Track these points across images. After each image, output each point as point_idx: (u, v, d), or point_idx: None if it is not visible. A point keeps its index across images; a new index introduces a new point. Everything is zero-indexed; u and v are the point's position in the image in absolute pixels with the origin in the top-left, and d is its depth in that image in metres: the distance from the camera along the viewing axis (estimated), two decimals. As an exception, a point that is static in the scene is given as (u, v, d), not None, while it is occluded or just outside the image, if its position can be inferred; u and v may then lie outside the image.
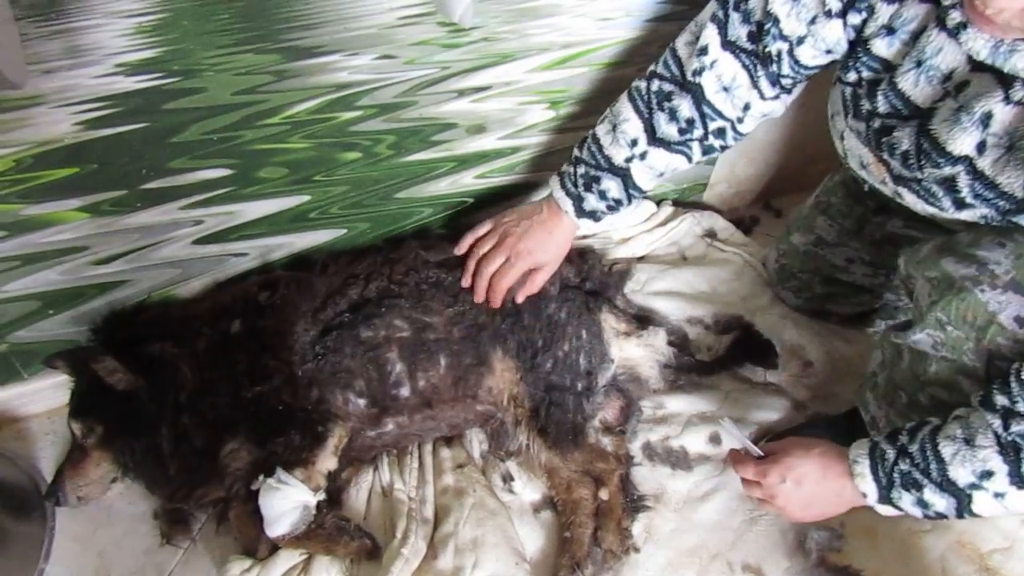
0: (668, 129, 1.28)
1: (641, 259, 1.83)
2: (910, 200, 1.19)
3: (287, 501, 1.26)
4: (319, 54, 1.23)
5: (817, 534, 1.39)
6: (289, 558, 1.31)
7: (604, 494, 1.40)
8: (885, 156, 1.16)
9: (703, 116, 1.26)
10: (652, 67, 1.29)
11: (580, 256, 1.66)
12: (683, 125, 1.27)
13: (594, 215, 1.37)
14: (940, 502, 0.99)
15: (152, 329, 1.41)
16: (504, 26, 1.33)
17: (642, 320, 1.66)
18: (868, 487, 1.05)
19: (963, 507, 0.98)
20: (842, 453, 1.09)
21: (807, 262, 1.65)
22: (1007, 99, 0.97)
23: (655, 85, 1.27)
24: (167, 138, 1.23)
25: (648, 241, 1.84)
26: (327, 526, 1.31)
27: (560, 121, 1.58)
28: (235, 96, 1.23)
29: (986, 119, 0.99)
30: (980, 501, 0.97)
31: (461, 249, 1.43)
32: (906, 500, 1.02)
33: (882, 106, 1.11)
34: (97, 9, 1.04)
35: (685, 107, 1.26)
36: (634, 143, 1.29)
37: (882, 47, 1.08)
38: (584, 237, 1.79)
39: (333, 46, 1.23)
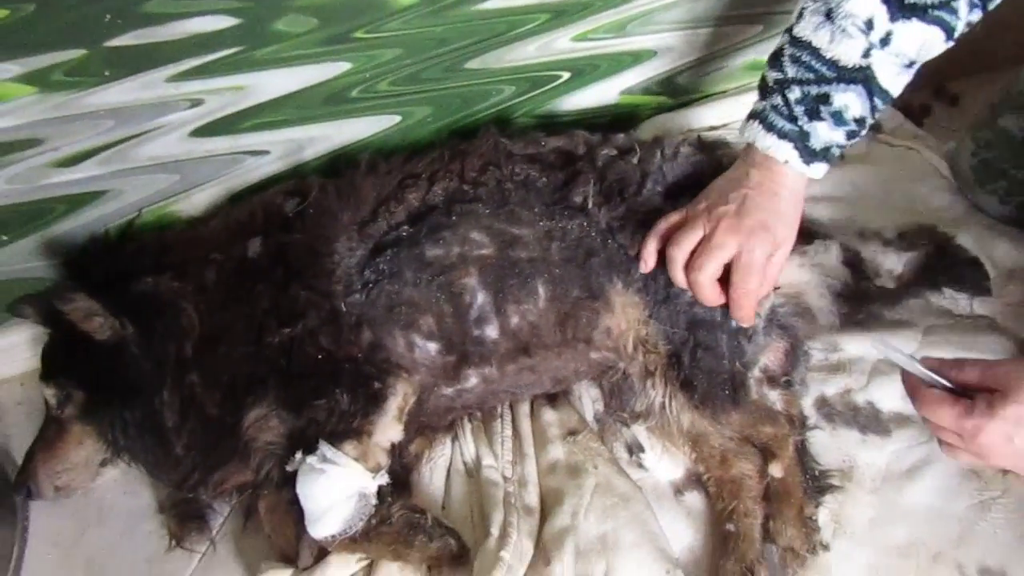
0: None
1: (787, 158, 1.45)
2: None
3: (336, 488, 1.01)
4: None
5: None
6: (343, 566, 1.07)
7: (776, 470, 1.10)
8: None
9: None
10: None
11: (714, 148, 1.30)
12: None
13: (827, 153, 1.00)
14: None
15: (144, 259, 1.16)
16: None
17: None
18: None
19: None
20: None
21: None
22: None
23: None
24: (137, -39, 0.90)
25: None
26: (394, 522, 1.06)
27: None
28: None
29: None
30: None
31: (647, 262, 1.08)
32: None
33: None
34: None
35: None
36: (869, 25, 0.95)
37: None
38: (713, 128, 1.45)
39: None
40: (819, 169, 1.01)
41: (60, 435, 1.14)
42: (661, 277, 1.09)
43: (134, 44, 0.97)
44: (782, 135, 0.99)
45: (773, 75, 1.01)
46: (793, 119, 0.99)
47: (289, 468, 1.04)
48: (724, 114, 1.46)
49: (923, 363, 0.82)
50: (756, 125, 1.01)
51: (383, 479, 1.05)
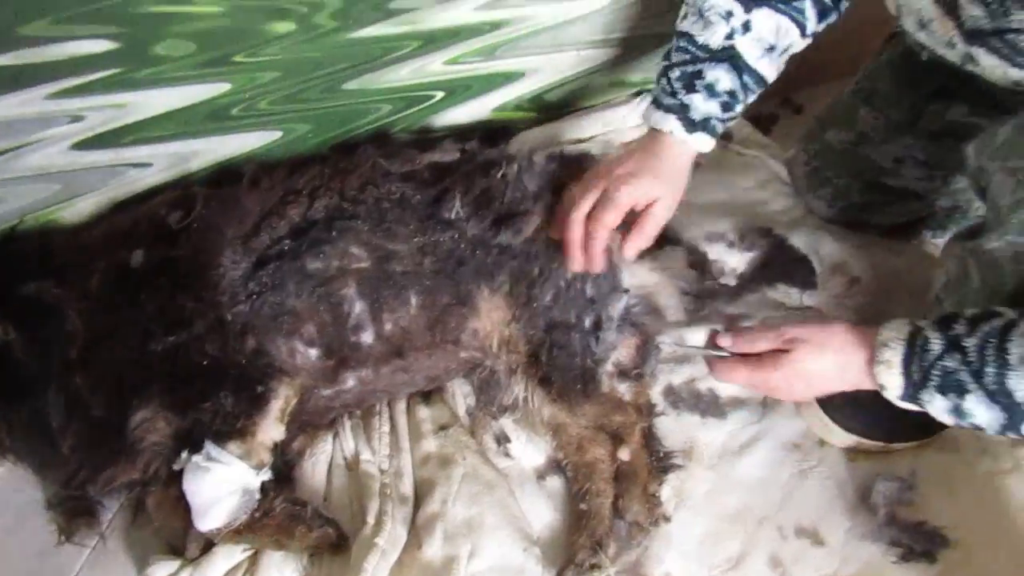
0: None
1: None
2: (988, 64, 0.98)
3: (221, 484, 1.04)
4: None
5: (884, 485, 1.18)
6: (229, 556, 1.09)
7: (624, 454, 1.18)
8: (961, 1, 0.94)
9: None
10: None
11: (576, 161, 1.36)
12: None
13: (707, 124, 1.11)
14: (983, 414, 0.84)
15: (27, 264, 1.16)
16: None
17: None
18: (892, 380, 0.89)
19: (1011, 424, 0.82)
20: (866, 339, 0.91)
21: (845, 164, 1.42)
22: None
23: None
24: (13, -12, 0.91)
25: (653, 145, 1.55)
26: (276, 513, 1.08)
27: (555, -17, 1.29)
28: (107, -74, 0.90)
29: None
30: None
31: (556, 229, 1.14)
32: (938, 405, 0.87)
33: None
34: None
35: None
36: (729, 15, 1.09)
37: None
38: (580, 141, 1.54)
39: None
40: (702, 140, 1.11)
41: (-56, 436, 1.11)
42: (523, 282, 1.17)
43: (13, 63, 0.98)
44: (667, 109, 1.11)
45: (663, 64, 1.14)
46: (674, 94, 1.11)
47: (176, 467, 1.05)
48: (591, 127, 1.54)
49: (719, 338, 1.00)
50: (649, 107, 1.13)
51: (266, 475, 1.08)
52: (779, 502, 1.18)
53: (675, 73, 1.11)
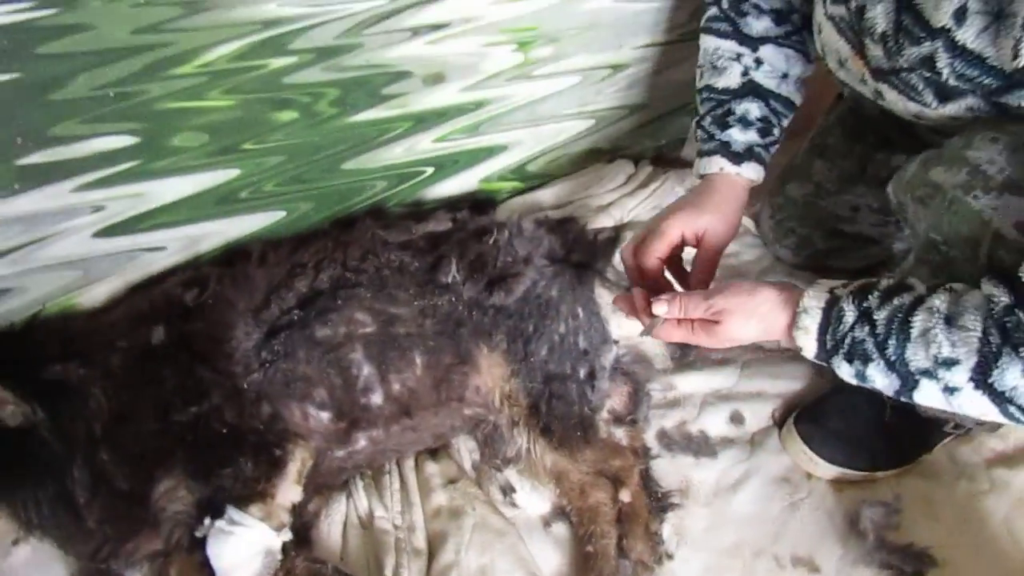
0: (761, 24, 1.20)
1: (624, 226, 1.64)
2: (891, 98, 1.08)
3: (244, 546, 1.06)
4: (239, -21, 1.01)
5: (871, 511, 1.24)
6: None
7: (625, 496, 1.23)
8: (866, 41, 1.04)
9: None
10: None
11: (560, 225, 1.46)
12: (779, 5, 1.20)
13: (752, 152, 1.19)
14: (882, 380, 0.90)
15: (51, 348, 1.18)
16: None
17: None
18: (808, 344, 0.94)
19: (903, 391, 0.89)
20: (790, 302, 0.96)
21: (806, 215, 1.51)
22: None
23: (725, 2, 1.21)
24: (46, 94, 0.98)
25: (630, 206, 1.66)
26: (298, 572, 1.10)
27: (530, 67, 1.38)
28: (133, 36, 0.98)
29: None
30: (925, 391, 0.87)
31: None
32: (844, 370, 0.92)
33: None
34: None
35: None
36: (739, 56, 1.20)
37: None
38: (562, 205, 1.62)
39: (256, -31, 1.01)
40: (752, 169, 1.18)
41: (-30, 519, 1.12)
42: (520, 340, 1.23)
43: (43, 161, 1.04)
44: (710, 153, 1.19)
45: (694, 121, 1.24)
46: (712, 137, 1.20)
47: (199, 534, 1.06)
48: (572, 192, 1.63)
49: (654, 305, 1.02)
50: (696, 161, 1.22)
51: (287, 535, 1.09)
52: (774, 534, 1.24)
53: (706, 121, 1.21)
